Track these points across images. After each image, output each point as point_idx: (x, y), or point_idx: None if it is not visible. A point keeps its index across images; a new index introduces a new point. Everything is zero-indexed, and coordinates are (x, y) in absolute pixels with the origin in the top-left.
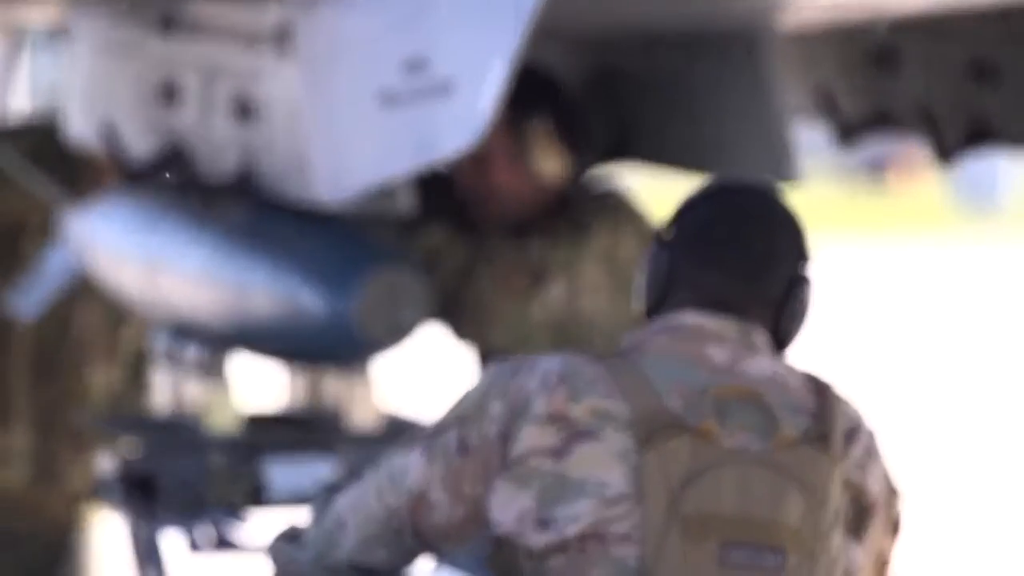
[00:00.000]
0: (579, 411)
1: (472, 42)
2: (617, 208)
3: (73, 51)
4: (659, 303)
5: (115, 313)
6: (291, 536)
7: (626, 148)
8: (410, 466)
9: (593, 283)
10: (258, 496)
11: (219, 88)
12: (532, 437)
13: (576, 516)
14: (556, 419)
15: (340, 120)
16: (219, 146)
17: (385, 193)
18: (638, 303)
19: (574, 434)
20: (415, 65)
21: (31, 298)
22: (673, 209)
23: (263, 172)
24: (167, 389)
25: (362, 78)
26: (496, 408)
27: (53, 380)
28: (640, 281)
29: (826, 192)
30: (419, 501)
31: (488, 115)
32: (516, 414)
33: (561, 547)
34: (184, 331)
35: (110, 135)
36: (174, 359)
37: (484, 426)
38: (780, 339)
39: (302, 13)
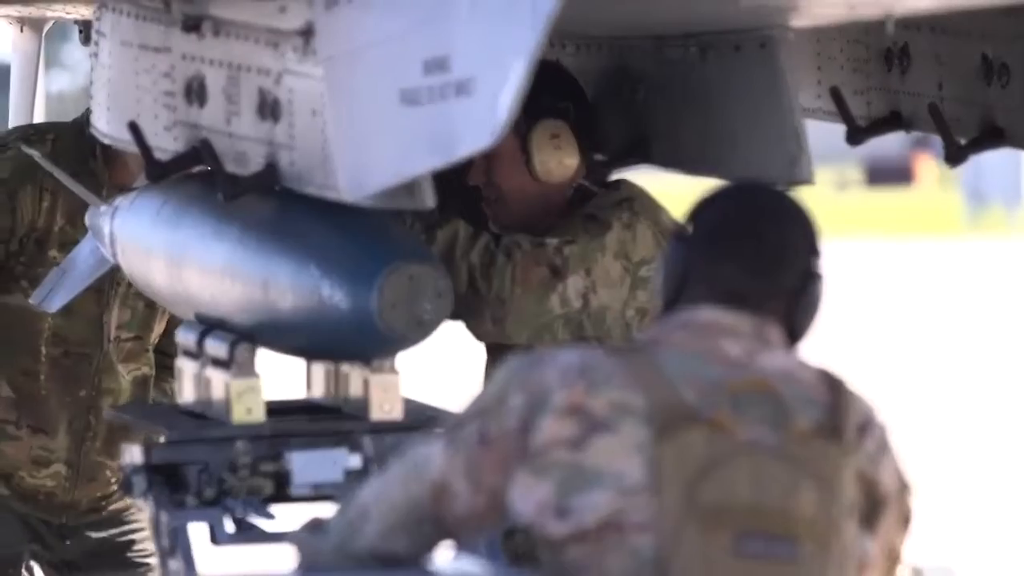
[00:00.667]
0: (597, 404)
1: (491, 42)
2: (633, 203)
3: (99, 49)
4: (675, 298)
5: (146, 313)
6: (315, 527)
7: (639, 149)
8: (432, 457)
9: (610, 278)
10: (283, 487)
11: (244, 86)
12: (551, 429)
13: (594, 506)
14: (575, 411)
15: (362, 118)
16: (244, 144)
17: (408, 190)
18: (655, 298)
19: (592, 426)
20: (436, 65)
21: (58, 292)
22: (690, 207)
23: (286, 169)
24: (192, 381)
25: (384, 77)
26: (516, 400)
27: (85, 383)
28: (657, 277)
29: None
30: (441, 491)
31: (507, 114)
32: (535, 406)
33: (579, 537)
34: (209, 324)
35: (136, 133)
36: (199, 351)
37: (504, 418)
38: (793, 333)
39: (325, 13)
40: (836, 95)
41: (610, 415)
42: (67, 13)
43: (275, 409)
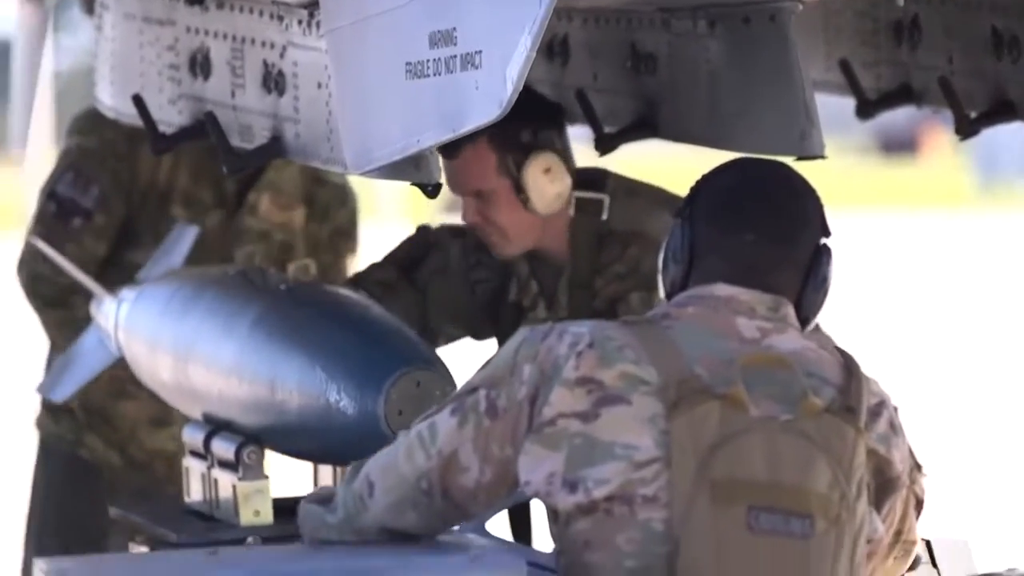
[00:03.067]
0: (609, 375)
1: (498, 14)
2: (618, 187)
3: (102, 21)
4: (684, 277)
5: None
6: (321, 498)
7: (647, 123)
8: (439, 428)
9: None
10: None
11: (248, 59)
12: (562, 400)
13: (604, 478)
14: (586, 383)
15: (367, 91)
16: (249, 117)
17: (414, 163)
18: (661, 279)
19: (603, 398)
20: (442, 37)
21: (63, 383)
22: (693, 185)
23: (291, 142)
24: (199, 480)
25: (389, 50)
26: (526, 371)
27: None
28: (663, 256)
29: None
30: (449, 463)
31: (515, 87)
32: (546, 377)
33: (588, 509)
34: (216, 425)
35: (140, 106)
36: (206, 451)
37: (514, 388)
38: (804, 310)
39: None
40: (846, 68)
41: (622, 387)
42: None
43: (283, 508)
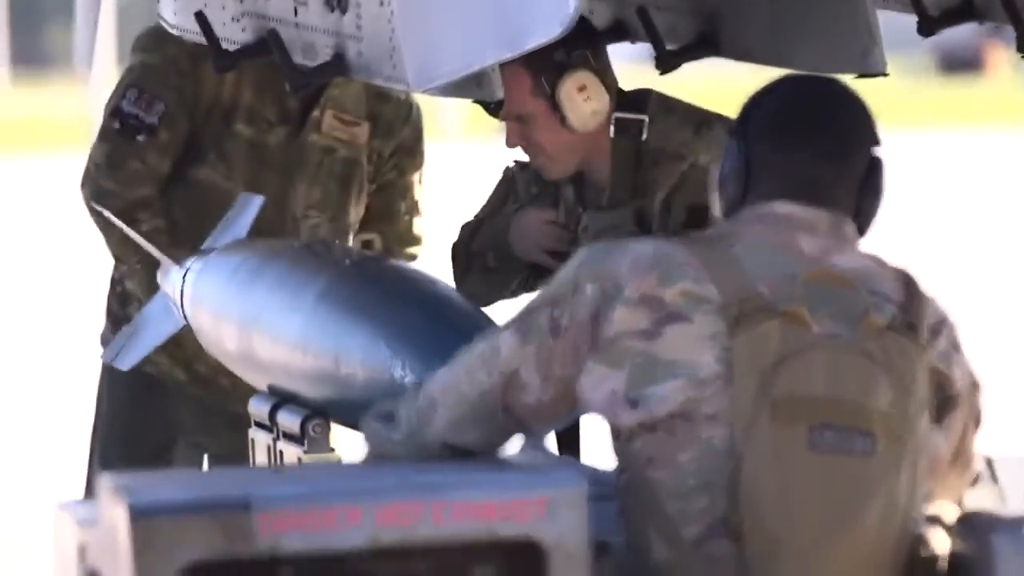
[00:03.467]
0: (670, 294)
1: None
2: (658, 107)
3: None
4: (742, 195)
5: (339, 194)
6: (384, 415)
7: (709, 41)
8: (502, 346)
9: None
10: None
11: None
12: (624, 319)
13: (666, 396)
14: (647, 301)
15: (430, 9)
16: (311, 35)
17: (476, 81)
18: (717, 199)
19: (665, 316)
20: None
21: (129, 351)
22: (744, 103)
23: (354, 60)
24: (265, 452)
25: None
26: (588, 290)
27: None
28: (719, 176)
29: (908, 85)
30: (510, 381)
31: (575, 6)
32: (608, 296)
33: (650, 427)
34: (281, 397)
35: (203, 24)
36: (272, 423)
37: (576, 308)
38: (860, 222)
39: None
40: None
41: (683, 305)
42: None
43: None
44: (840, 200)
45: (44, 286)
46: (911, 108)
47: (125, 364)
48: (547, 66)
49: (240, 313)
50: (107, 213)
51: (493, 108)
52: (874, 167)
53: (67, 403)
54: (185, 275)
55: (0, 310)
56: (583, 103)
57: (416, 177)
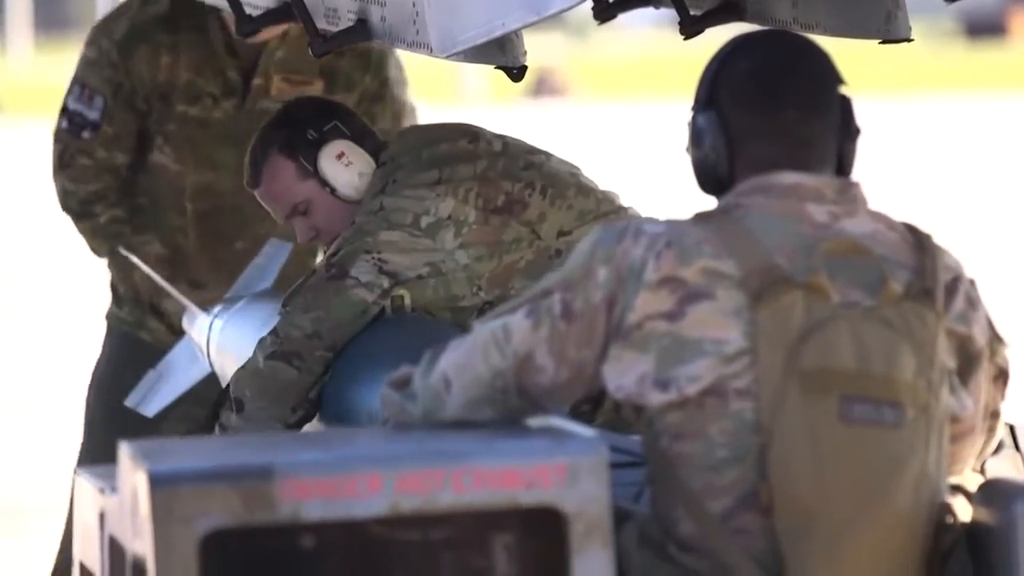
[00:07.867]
0: (689, 273)
1: None
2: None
3: None
4: (729, 167)
5: None
6: (399, 382)
7: (733, 6)
8: (514, 329)
9: None
10: None
11: None
12: (646, 303)
13: (696, 375)
14: (668, 282)
15: None
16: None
17: (499, 46)
18: (696, 174)
19: (687, 295)
20: None
21: (154, 397)
22: (705, 70)
23: (377, 25)
24: None
25: None
26: (602, 273)
27: (241, 235)
28: (695, 152)
29: (932, 49)
30: (524, 363)
31: None
32: (623, 280)
33: (680, 404)
34: None
35: None
36: None
37: (589, 291)
38: (844, 163)
39: None
40: None
41: (704, 283)
42: None
43: None
44: (829, 152)
45: (69, 246)
46: (935, 73)
47: (150, 410)
48: (303, 147)
49: None
50: (133, 258)
51: (516, 74)
52: (846, 107)
53: (88, 367)
54: (212, 322)
55: (21, 270)
56: (345, 169)
57: (397, 122)
